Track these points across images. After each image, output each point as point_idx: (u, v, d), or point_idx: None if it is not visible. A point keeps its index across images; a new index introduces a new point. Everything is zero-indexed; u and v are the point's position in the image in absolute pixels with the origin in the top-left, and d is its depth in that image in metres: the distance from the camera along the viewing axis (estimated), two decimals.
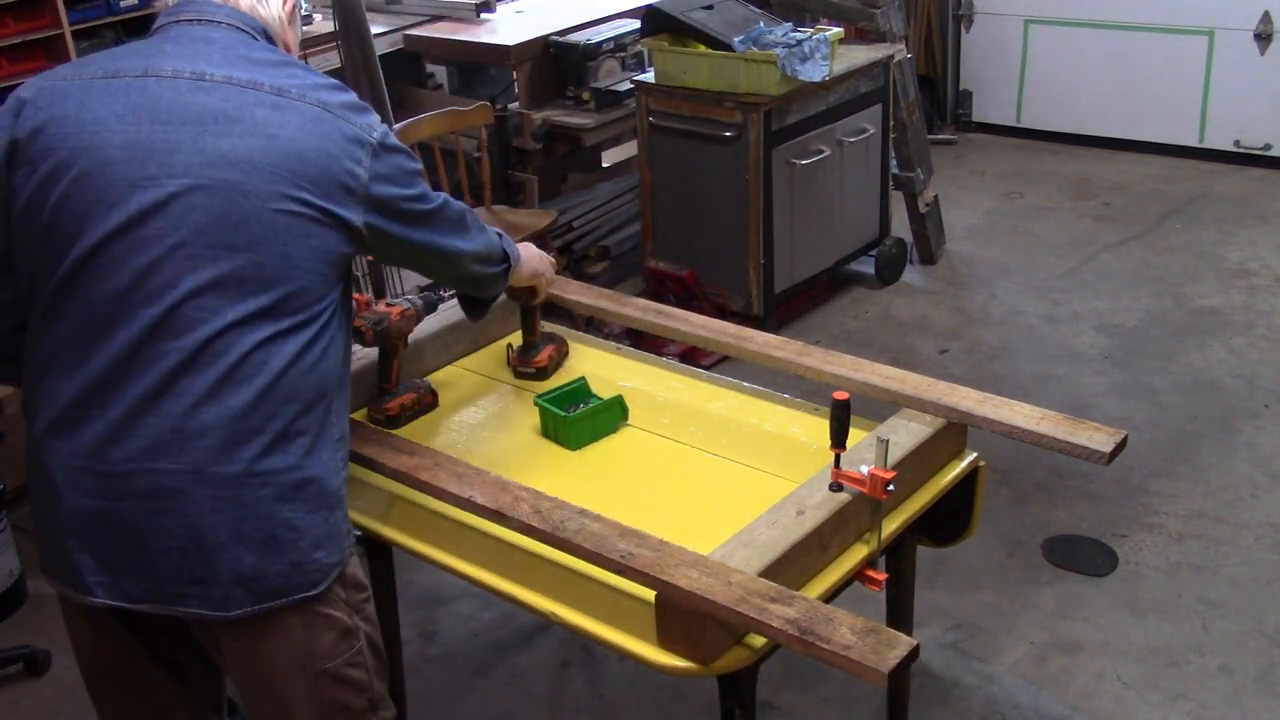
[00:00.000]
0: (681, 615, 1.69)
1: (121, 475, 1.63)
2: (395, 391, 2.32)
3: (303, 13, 4.85)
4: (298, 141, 1.65)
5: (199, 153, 1.63)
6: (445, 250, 1.88)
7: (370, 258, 3.12)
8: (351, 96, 1.75)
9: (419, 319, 2.35)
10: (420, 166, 1.83)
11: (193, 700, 1.91)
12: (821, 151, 4.33)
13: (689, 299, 4.29)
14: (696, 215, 4.36)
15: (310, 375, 1.69)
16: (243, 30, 1.75)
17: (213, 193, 1.62)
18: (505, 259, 2.07)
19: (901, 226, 4.92)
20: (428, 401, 2.36)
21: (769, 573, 1.71)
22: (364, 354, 2.33)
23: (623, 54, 4.72)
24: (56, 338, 1.67)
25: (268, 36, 1.79)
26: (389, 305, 2.29)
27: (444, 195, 1.87)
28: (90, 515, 1.66)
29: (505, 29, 4.88)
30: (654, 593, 1.71)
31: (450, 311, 2.52)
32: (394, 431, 2.24)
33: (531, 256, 2.29)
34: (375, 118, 1.75)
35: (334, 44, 4.36)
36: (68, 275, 1.64)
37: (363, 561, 1.89)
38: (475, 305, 2.19)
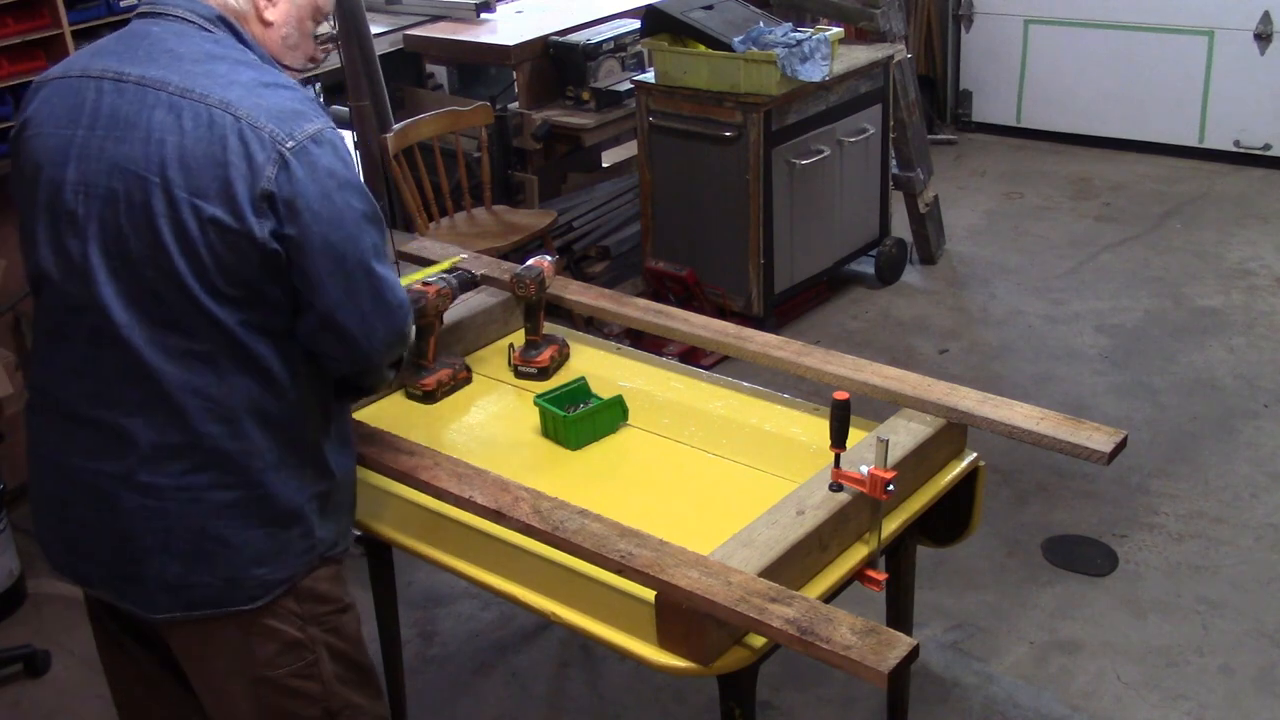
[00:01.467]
0: (681, 615, 1.69)
1: (74, 470, 1.69)
2: (431, 368, 2.38)
3: None
4: (184, 148, 1.56)
5: (101, 159, 1.60)
6: (366, 274, 1.66)
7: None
8: (286, 98, 1.61)
9: (454, 297, 2.41)
10: (368, 208, 1.65)
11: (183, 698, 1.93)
12: (821, 151, 4.32)
13: (689, 299, 4.29)
14: (696, 215, 4.36)
15: (257, 391, 1.64)
16: (188, 21, 1.67)
17: (111, 204, 1.59)
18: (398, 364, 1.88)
19: (901, 226, 4.92)
20: (463, 378, 2.43)
21: (769, 573, 1.71)
22: None
23: (623, 54, 4.72)
24: (39, 328, 1.74)
25: (228, 25, 1.69)
26: (425, 284, 2.34)
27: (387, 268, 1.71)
28: (56, 499, 1.74)
29: (505, 29, 4.88)
30: (654, 593, 1.71)
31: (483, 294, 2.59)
32: (430, 406, 2.35)
33: None
34: (311, 125, 1.60)
35: (334, 44, 4.37)
36: (32, 275, 1.70)
37: (354, 566, 1.88)
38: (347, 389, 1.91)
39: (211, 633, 1.73)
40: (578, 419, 2.21)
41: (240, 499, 1.67)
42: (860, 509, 1.90)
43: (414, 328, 1.83)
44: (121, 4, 3.50)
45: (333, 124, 1.65)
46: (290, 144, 1.57)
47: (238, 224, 1.56)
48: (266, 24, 1.74)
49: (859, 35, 4.85)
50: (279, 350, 1.66)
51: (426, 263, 2.79)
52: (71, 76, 1.67)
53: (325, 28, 1.83)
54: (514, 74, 4.71)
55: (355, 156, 4.62)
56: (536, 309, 2.47)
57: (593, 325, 3.82)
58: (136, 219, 1.58)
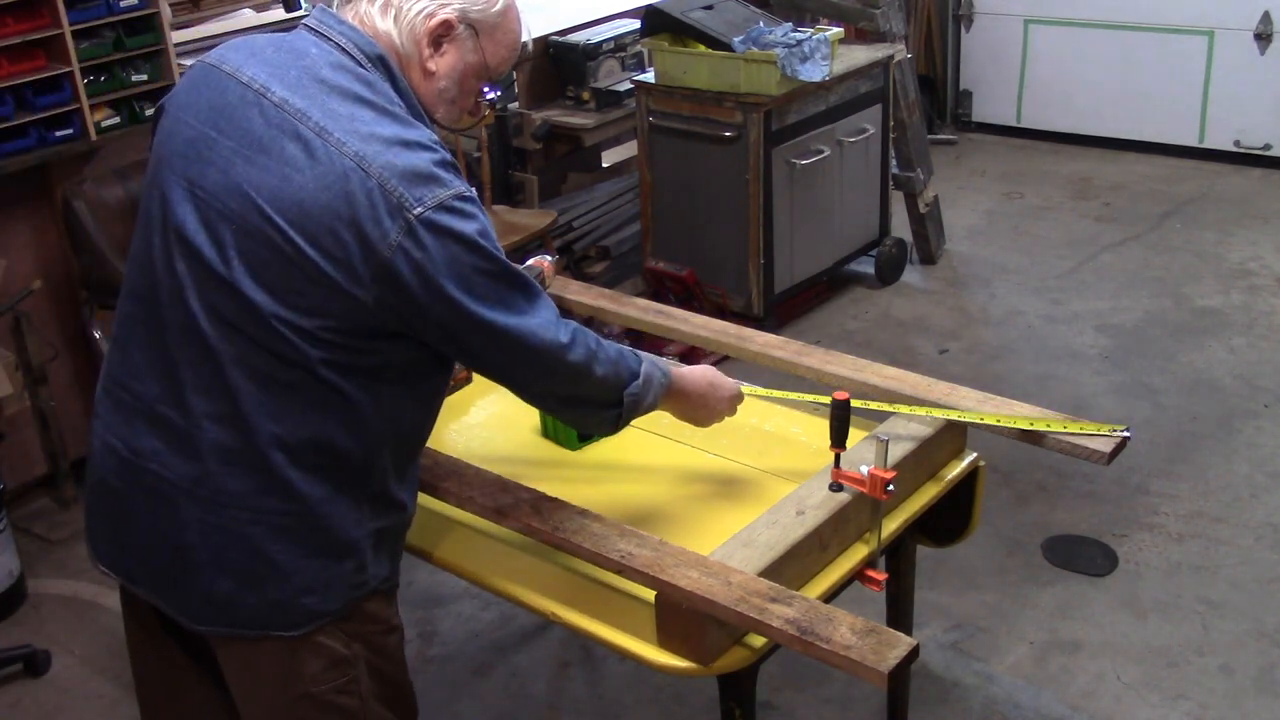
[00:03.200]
0: (681, 615, 1.69)
1: (140, 469, 1.65)
2: None
3: (301, 11, 4.85)
4: (307, 190, 1.50)
5: (225, 173, 1.55)
6: (503, 333, 1.59)
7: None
8: (424, 160, 1.52)
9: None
10: (505, 270, 1.57)
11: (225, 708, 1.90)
12: (821, 151, 4.33)
13: (689, 299, 4.29)
14: (696, 215, 4.36)
15: (332, 425, 1.60)
16: (346, 51, 1.60)
17: (225, 220, 1.55)
18: (618, 402, 1.77)
19: (901, 226, 4.92)
20: (463, 378, 2.45)
21: (769, 573, 1.71)
22: None
23: (623, 54, 4.72)
24: (125, 310, 1.69)
25: (387, 66, 1.62)
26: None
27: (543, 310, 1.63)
28: (113, 492, 1.70)
29: None
30: (654, 593, 1.71)
31: None
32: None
33: (700, 387, 1.95)
34: (444, 191, 1.51)
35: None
36: (136, 253, 1.65)
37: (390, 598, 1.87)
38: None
39: (256, 650, 1.69)
40: None
41: (298, 526, 1.63)
42: (860, 509, 1.90)
43: (584, 358, 1.68)
44: (121, 4, 3.50)
45: (469, 189, 1.57)
46: (419, 210, 1.50)
47: (347, 284, 1.51)
48: (428, 74, 1.66)
49: (859, 35, 4.85)
50: (366, 391, 1.61)
51: None
52: (224, 70, 1.61)
53: (489, 93, 1.75)
54: (514, 74, 4.71)
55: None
56: None
57: (593, 325, 3.82)
58: (245, 244, 1.53)
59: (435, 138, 1.60)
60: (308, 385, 1.57)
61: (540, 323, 1.62)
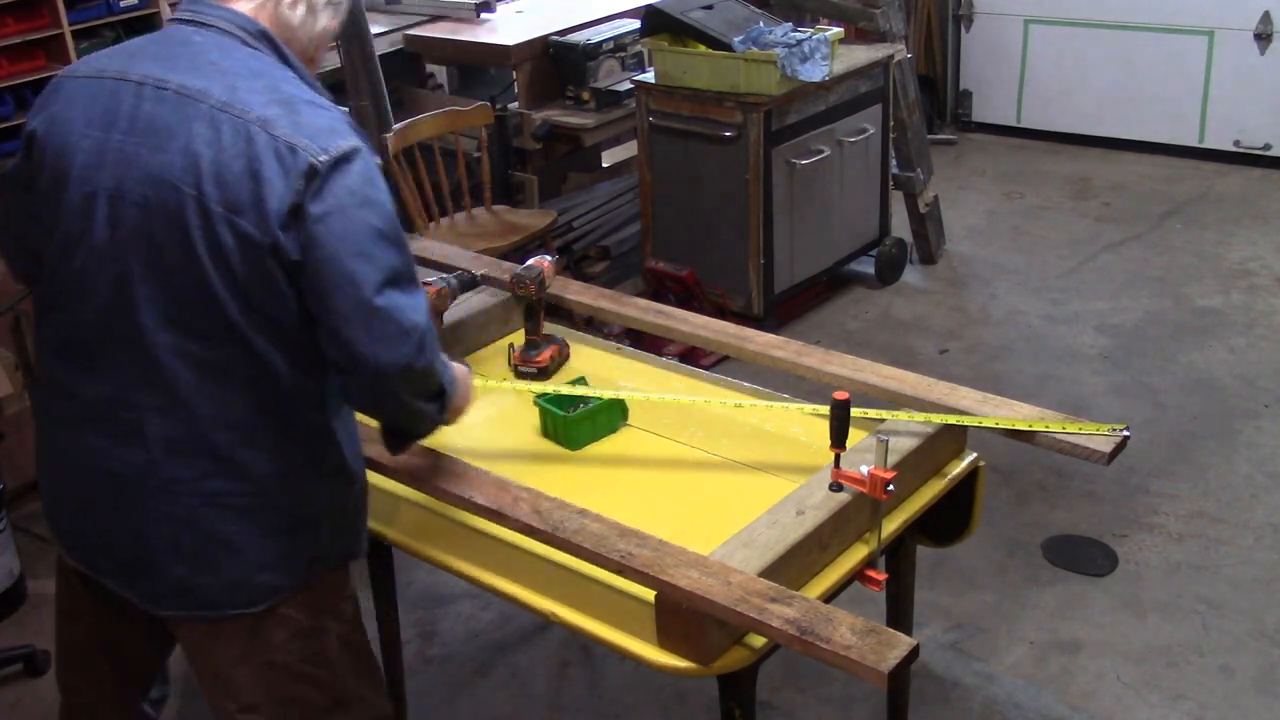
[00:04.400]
0: (681, 615, 1.69)
1: (90, 467, 1.71)
2: None
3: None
4: (221, 162, 1.56)
5: (136, 166, 1.59)
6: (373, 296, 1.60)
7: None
8: (325, 118, 1.61)
9: (454, 297, 2.43)
10: (387, 229, 1.61)
11: (125, 677, 1.98)
12: (821, 151, 4.32)
13: (689, 299, 4.29)
14: (696, 215, 4.36)
15: (272, 401, 1.65)
16: (231, 34, 1.66)
17: (145, 212, 1.59)
18: (441, 393, 1.77)
19: (901, 226, 4.92)
20: None
21: (769, 573, 1.71)
22: None
23: (623, 54, 4.72)
24: (51, 325, 1.74)
25: (270, 39, 1.69)
26: (426, 284, 2.34)
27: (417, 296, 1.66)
28: (70, 494, 1.77)
29: (505, 29, 4.88)
30: (654, 593, 1.71)
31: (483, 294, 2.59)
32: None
33: (466, 385, 1.98)
34: (345, 143, 1.59)
35: (334, 44, 4.37)
36: (56, 273, 1.68)
37: (355, 566, 1.90)
38: (396, 437, 1.87)
39: (217, 630, 1.74)
40: (578, 419, 2.21)
41: (252, 506, 1.68)
42: (860, 509, 1.90)
43: (434, 351, 1.69)
44: (121, 4, 3.50)
45: (369, 146, 1.65)
46: (323, 158, 1.56)
47: (267, 239, 1.55)
48: (309, 49, 1.76)
49: (859, 35, 4.85)
50: (300, 366, 1.66)
51: (427, 263, 2.79)
52: (106, 77, 1.65)
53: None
54: (514, 74, 4.71)
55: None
56: (536, 309, 2.47)
57: (593, 325, 3.82)
58: (171, 230, 1.58)
59: (331, 99, 1.68)
60: (242, 363, 1.62)
61: (415, 304, 1.64)
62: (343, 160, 1.58)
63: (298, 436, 1.70)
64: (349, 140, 1.60)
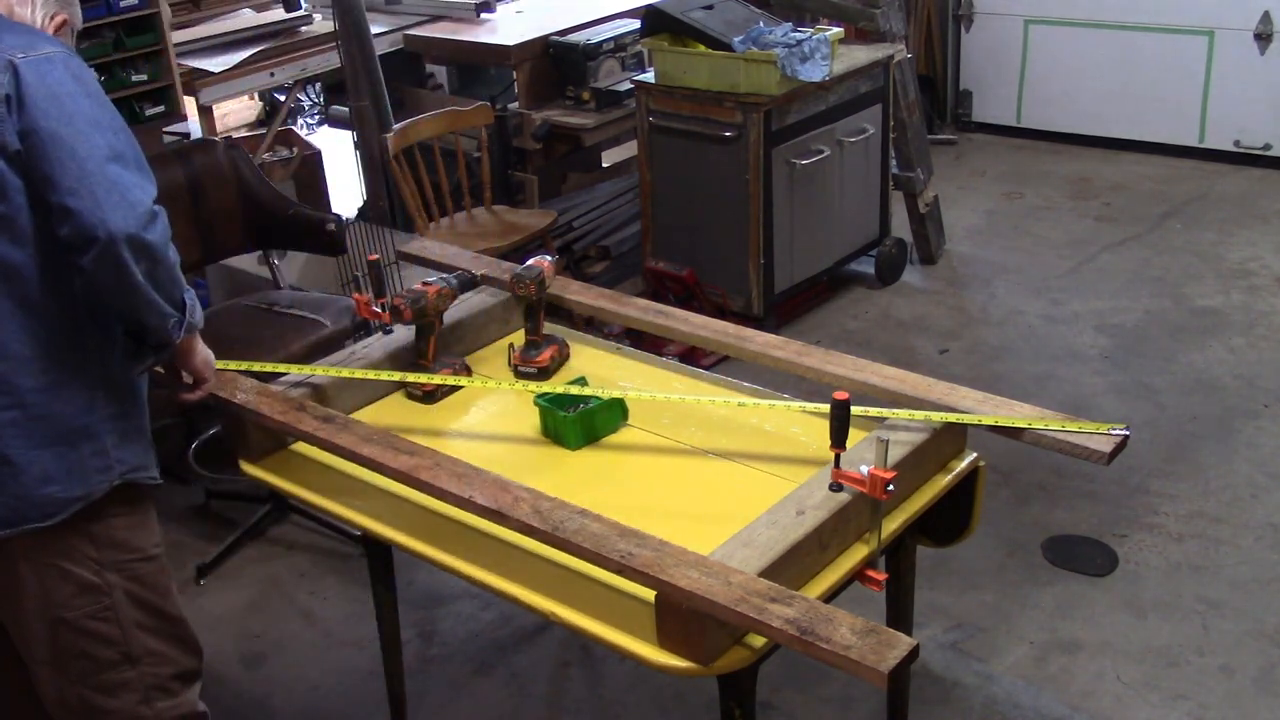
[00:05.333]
0: (681, 615, 1.69)
1: None
2: (431, 368, 2.38)
3: (301, 11, 4.86)
4: None
5: None
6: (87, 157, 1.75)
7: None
8: (35, 35, 1.79)
9: (455, 297, 2.43)
10: (102, 115, 1.80)
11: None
12: (821, 151, 4.32)
13: (689, 299, 4.29)
14: (696, 215, 4.36)
15: (24, 311, 1.74)
16: None
17: None
18: (181, 305, 1.89)
19: (901, 226, 4.92)
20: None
21: (769, 573, 1.71)
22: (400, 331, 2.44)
23: (623, 54, 4.73)
24: None
25: None
26: (426, 284, 2.37)
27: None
28: None
29: (505, 29, 4.88)
30: (654, 593, 1.71)
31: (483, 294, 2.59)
32: (430, 406, 2.36)
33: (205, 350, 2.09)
34: (50, 49, 1.77)
35: (334, 44, 4.37)
36: None
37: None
38: (139, 352, 1.95)
39: (9, 567, 1.83)
40: (578, 419, 2.21)
41: (18, 419, 1.76)
42: (860, 509, 1.90)
43: (164, 236, 1.82)
44: (121, 4, 3.50)
45: (79, 60, 1.82)
46: (22, 56, 1.74)
47: None
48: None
49: (859, 35, 4.85)
50: (42, 264, 1.75)
51: (427, 263, 2.79)
52: None
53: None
54: (514, 74, 4.72)
55: (358, 156, 4.62)
56: (536, 309, 2.47)
57: (593, 325, 3.82)
58: None
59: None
60: None
61: (142, 184, 1.78)
62: (45, 60, 1.75)
63: (58, 346, 1.78)
64: (53, 46, 1.78)
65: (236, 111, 6.51)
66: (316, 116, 6.59)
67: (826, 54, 4.13)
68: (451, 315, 2.49)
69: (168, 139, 4.10)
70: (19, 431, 1.77)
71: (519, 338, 2.55)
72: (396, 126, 4.12)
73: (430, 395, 2.38)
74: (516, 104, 4.72)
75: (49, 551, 1.84)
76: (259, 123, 6.43)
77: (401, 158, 4.07)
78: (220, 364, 2.16)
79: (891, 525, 1.98)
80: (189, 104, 4.18)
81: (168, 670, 1.99)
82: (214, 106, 4.45)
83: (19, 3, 1.88)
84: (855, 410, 1.89)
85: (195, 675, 2.06)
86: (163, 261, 1.81)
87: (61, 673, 1.93)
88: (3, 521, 1.79)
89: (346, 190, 5.24)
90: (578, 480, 2.11)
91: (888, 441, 1.85)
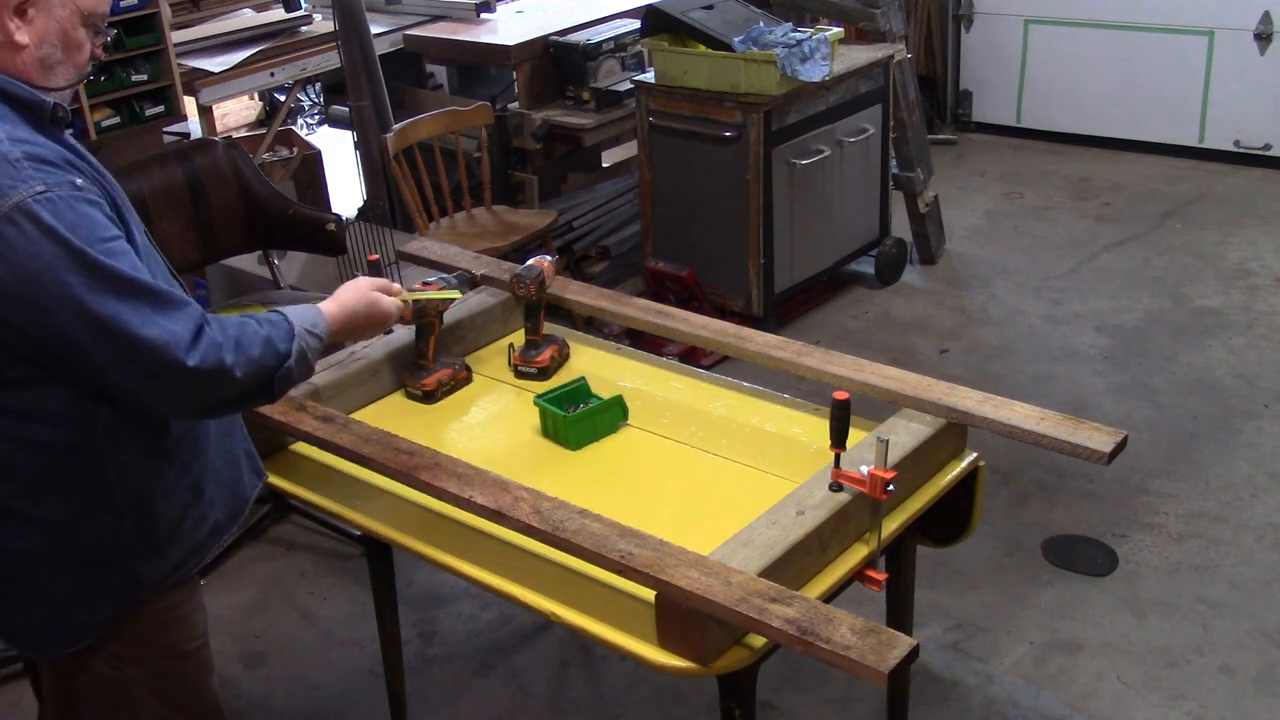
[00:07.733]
0: (681, 615, 1.69)
1: None
2: (431, 368, 2.39)
3: (301, 11, 4.86)
4: None
5: None
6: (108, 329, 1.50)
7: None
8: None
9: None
10: (99, 262, 1.49)
11: None
12: (821, 151, 4.32)
13: (689, 299, 4.29)
14: (696, 215, 4.36)
15: (44, 453, 1.61)
16: None
17: None
18: (269, 385, 1.67)
19: (901, 226, 4.92)
20: (462, 378, 2.43)
21: (769, 573, 1.71)
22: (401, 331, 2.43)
23: (623, 54, 4.72)
24: None
25: None
26: (426, 284, 2.35)
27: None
28: None
29: (505, 29, 4.88)
30: (654, 593, 1.71)
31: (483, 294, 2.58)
32: (430, 406, 2.36)
33: (350, 305, 1.90)
34: (8, 199, 1.46)
35: (334, 44, 4.37)
36: None
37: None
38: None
39: (50, 667, 1.79)
40: (578, 419, 2.21)
41: (44, 546, 1.67)
42: (860, 509, 1.90)
43: (212, 343, 1.58)
44: (121, 4, 3.50)
45: (41, 184, 1.49)
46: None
47: None
48: (19, 48, 1.56)
49: (859, 35, 4.85)
50: (62, 402, 1.59)
51: (427, 263, 2.79)
52: None
53: (102, 35, 1.67)
54: (514, 74, 4.71)
55: (358, 156, 4.62)
56: (536, 309, 2.47)
57: (593, 325, 3.82)
58: None
59: (16, 135, 1.52)
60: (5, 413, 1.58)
61: (160, 331, 1.52)
62: (16, 210, 1.47)
63: (79, 477, 1.64)
64: (13, 193, 1.47)
65: (236, 111, 6.52)
66: (316, 116, 6.59)
67: (826, 54, 4.13)
68: (452, 315, 2.49)
69: (168, 139, 4.10)
70: (45, 559, 1.67)
71: (519, 338, 2.55)
72: (396, 126, 4.12)
73: (430, 395, 2.38)
74: (516, 104, 4.72)
75: (76, 655, 1.76)
76: (259, 123, 6.44)
77: (401, 158, 4.07)
78: None
79: (891, 525, 1.98)
80: (189, 104, 4.17)
81: None
82: (214, 106, 4.45)
83: None
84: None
85: None
86: (228, 366, 1.58)
87: None
88: (33, 643, 1.74)
89: (346, 190, 5.25)
90: (578, 480, 2.11)
91: (888, 441, 1.85)
